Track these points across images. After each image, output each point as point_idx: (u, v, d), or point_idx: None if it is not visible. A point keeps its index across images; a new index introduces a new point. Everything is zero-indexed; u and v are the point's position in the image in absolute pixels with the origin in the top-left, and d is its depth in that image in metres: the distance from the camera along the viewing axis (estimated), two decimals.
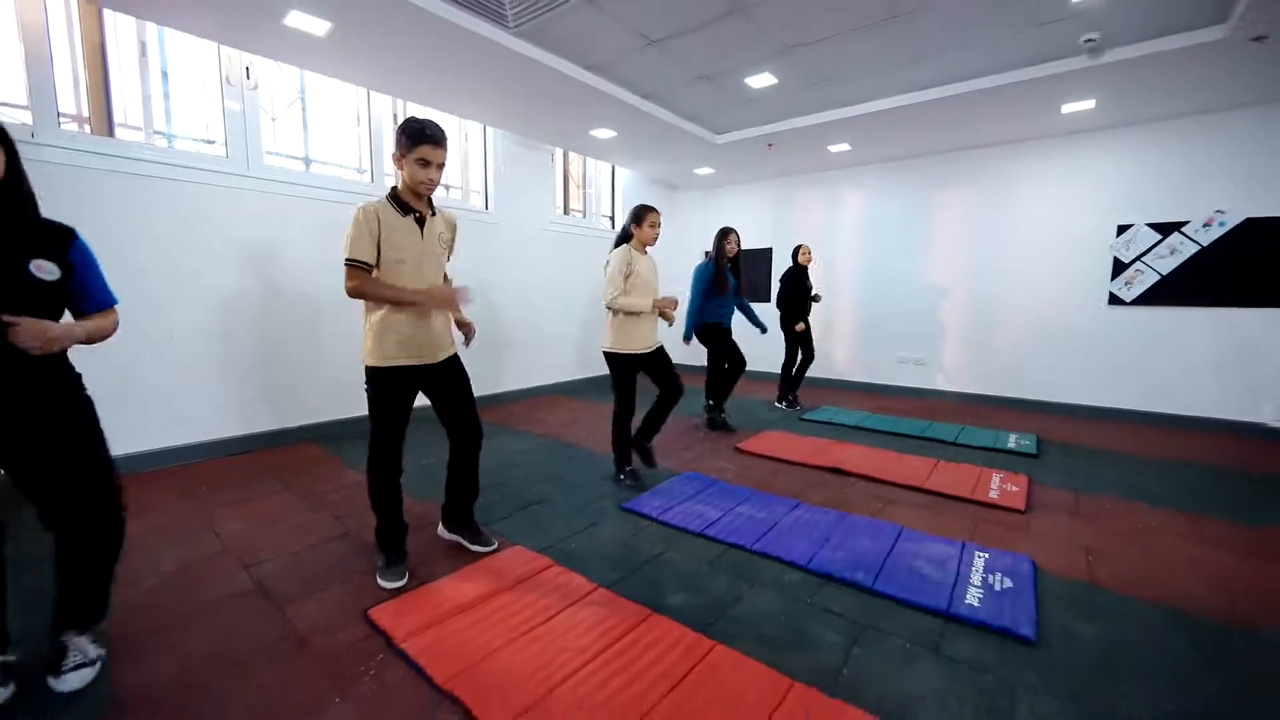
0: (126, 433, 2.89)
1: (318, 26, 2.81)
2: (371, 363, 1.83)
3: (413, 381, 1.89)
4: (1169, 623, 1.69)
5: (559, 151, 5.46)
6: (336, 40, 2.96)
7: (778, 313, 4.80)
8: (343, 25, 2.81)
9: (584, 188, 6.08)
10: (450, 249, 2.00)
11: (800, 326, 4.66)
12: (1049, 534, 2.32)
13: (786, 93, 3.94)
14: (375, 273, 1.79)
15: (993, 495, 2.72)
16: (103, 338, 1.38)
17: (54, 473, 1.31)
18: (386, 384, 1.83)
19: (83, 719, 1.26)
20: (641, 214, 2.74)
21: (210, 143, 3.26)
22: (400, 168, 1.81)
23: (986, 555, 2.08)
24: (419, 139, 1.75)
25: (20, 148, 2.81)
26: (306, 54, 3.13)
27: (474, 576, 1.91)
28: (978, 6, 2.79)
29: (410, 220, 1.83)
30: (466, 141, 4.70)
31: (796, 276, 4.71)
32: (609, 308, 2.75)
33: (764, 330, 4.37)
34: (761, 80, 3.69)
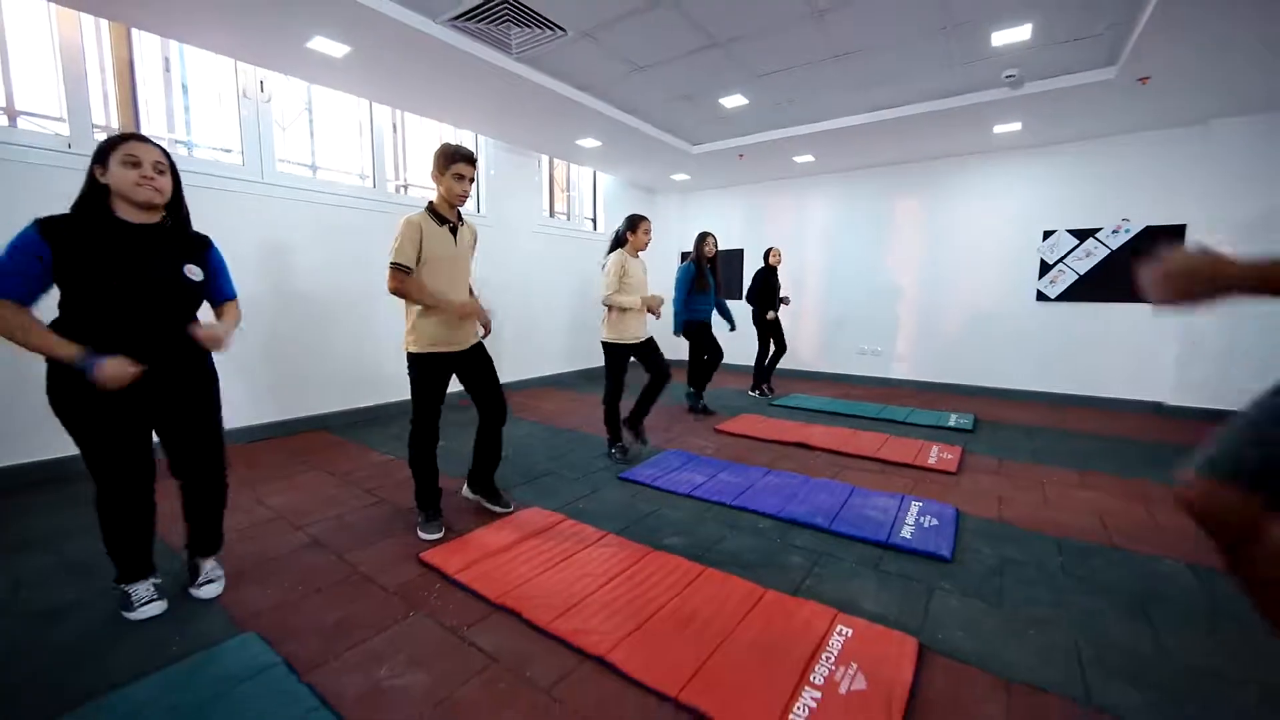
0: None
1: (337, 50, 3.10)
2: (413, 350, 2.17)
3: (446, 365, 2.23)
4: (1049, 545, 2.19)
5: (544, 158, 5.79)
6: (352, 61, 3.24)
7: (749, 308, 5.26)
8: (360, 49, 3.11)
9: (567, 191, 6.43)
10: (473, 253, 2.35)
11: (771, 315, 5.10)
12: (972, 489, 2.83)
13: (756, 111, 4.39)
14: (414, 273, 2.12)
15: (931, 461, 3.22)
16: (222, 334, 1.67)
17: (194, 432, 1.69)
18: (424, 367, 2.18)
19: (216, 628, 1.59)
20: (635, 222, 3.14)
21: (227, 151, 3.49)
22: (438, 184, 2.16)
23: (920, 504, 2.55)
24: (455, 158, 2.10)
25: (58, 157, 3.07)
26: (322, 72, 3.41)
27: (502, 529, 2.28)
28: (916, 43, 3.27)
29: (446, 230, 2.18)
30: None
31: (766, 276, 5.17)
32: (605, 304, 3.14)
33: (733, 328, 4.68)
34: (734, 101, 4.13)
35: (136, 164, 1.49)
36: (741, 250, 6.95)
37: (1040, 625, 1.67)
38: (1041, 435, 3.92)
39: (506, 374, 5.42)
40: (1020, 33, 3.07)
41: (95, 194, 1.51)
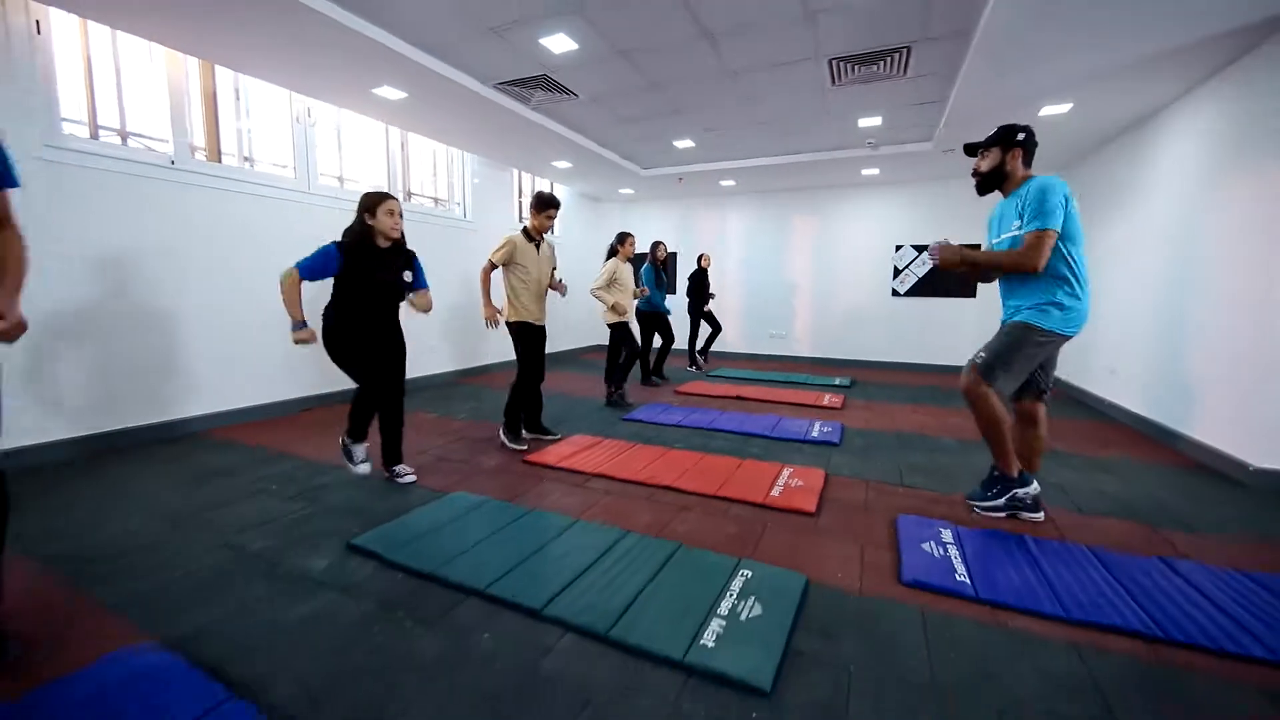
0: (251, 389, 3.80)
1: (396, 95, 3.94)
2: (511, 319, 3.24)
3: (532, 331, 3.31)
4: (892, 436, 3.77)
5: (515, 170, 6.73)
6: (403, 103, 4.09)
7: (686, 300, 6.65)
8: (414, 96, 3.98)
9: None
10: (553, 261, 3.44)
11: (706, 309, 6.54)
12: (851, 416, 4.40)
13: (698, 150, 5.75)
14: (509, 271, 3.22)
15: (825, 403, 4.80)
16: (427, 308, 2.66)
17: (397, 371, 2.68)
18: (523, 332, 3.26)
19: (429, 497, 2.59)
20: (624, 238, 4.37)
21: (283, 166, 4.15)
22: (534, 218, 3.25)
23: (821, 422, 4.05)
24: (549, 204, 3.23)
25: (162, 172, 3.77)
26: (371, 108, 4.20)
27: (564, 445, 3.40)
28: (811, 120, 4.80)
29: (533, 246, 3.26)
30: (451, 163, 5.82)
31: (700, 276, 6.58)
32: (592, 294, 4.42)
33: (667, 311, 5.85)
34: (684, 144, 5.46)
35: (393, 214, 2.44)
36: (676, 254, 8.34)
37: (882, 463, 3.16)
38: (893, 388, 5.71)
39: (491, 357, 6.36)
40: (875, 120, 4.70)
41: (365, 230, 2.45)
